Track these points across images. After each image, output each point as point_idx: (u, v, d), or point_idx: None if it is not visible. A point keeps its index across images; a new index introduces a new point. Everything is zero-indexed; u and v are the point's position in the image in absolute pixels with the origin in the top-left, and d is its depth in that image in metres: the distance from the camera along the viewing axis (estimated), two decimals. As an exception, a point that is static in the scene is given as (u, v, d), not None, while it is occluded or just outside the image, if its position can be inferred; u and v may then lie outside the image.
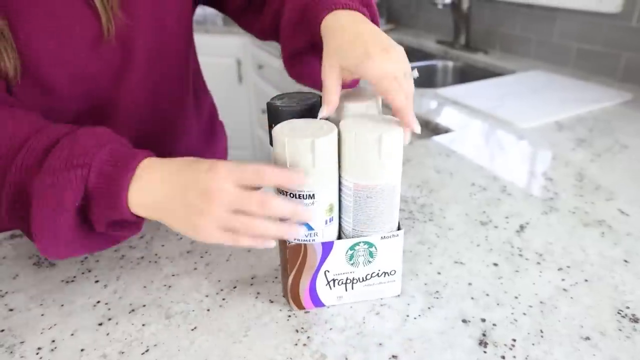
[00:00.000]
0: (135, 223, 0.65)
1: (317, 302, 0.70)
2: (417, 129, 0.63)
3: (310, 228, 0.65)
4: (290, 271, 0.67)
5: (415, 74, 0.67)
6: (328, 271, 0.68)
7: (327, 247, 0.66)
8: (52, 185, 0.58)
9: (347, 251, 0.66)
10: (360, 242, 0.66)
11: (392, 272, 0.70)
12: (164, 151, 0.93)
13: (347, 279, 0.69)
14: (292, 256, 0.66)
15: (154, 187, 0.59)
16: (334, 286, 0.69)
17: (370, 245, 0.67)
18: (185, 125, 0.99)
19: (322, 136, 0.59)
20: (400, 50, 0.66)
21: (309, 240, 0.65)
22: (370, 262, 0.68)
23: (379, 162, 0.61)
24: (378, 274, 0.69)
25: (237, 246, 0.64)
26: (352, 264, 0.68)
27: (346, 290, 0.70)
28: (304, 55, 0.82)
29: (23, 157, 0.61)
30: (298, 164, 0.60)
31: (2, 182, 0.62)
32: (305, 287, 0.68)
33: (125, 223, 0.65)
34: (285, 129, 0.61)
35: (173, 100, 0.94)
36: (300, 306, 0.70)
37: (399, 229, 0.69)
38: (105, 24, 0.75)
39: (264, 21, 0.90)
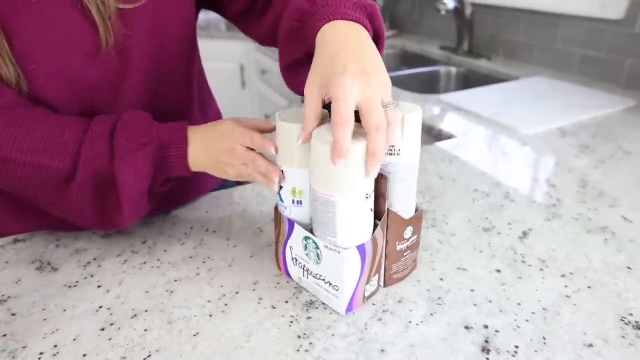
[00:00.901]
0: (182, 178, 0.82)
1: (287, 272, 0.78)
2: (371, 172, 0.62)
3: (281, 199, 0.74)
4: (275, 229, 0.78)
5: (397, 104, 0.64)
6: (292, 247, 0.74)
7: (290, 225, 0.73)
8: (133, 162, 0.73)
9: (302, 239, 0.71)
10: (309, 238, 0.69)
11: (336, 287, 0.69)
12: None
13: (303, 265, 0.73)
14: (275, 218, 0.77)
15: (199, 153, 0.77)
16: (295, 265, 0.75)
17: (317, 246, 0.68)
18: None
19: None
20: (382, 77, 0.63)
21: (282, 211, 0.75)
22: (318, 263, 0.69)
23: (325, 174, 0.63)
24: (324, 279, 0.70)
25: (251, 179, 0.77)
26: (306, 254, 0.71)
27: (303, 275, 0.74)
28: (301, 65, 0.81)
29: (91, 147, 0.72)
30: (285, 141, 0.70)
31: (69, 179, 0.73)
32: (280, 251, 0.77)
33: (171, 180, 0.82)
34: (286, 113, 0.72)
35: (176, 107, 0.93)
36: (278, 266, 0.80)
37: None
38: (104, 35, 0.74)
39: (264, 26, 0.91)
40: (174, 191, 0.91)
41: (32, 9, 0.70)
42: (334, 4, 0.71)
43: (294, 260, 0.74)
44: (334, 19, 0.69)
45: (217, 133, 0.77)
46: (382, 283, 0.75)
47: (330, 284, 0.69)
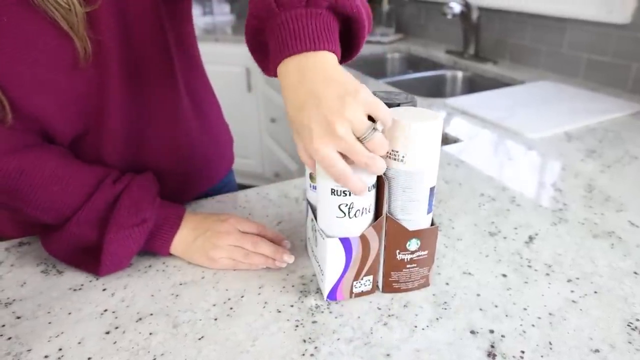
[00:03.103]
0: None
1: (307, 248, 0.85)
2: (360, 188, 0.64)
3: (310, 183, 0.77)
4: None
5: (379, 127, 0.61)
6: (306, 227, 0.87)
7: (307, 206, 0.81)
8: (127, 236, 0.77)
9: (310, 220, 0.79)
10: (313, 220, 0.74)
11: (322, 272, 0.73)
12: (170, 154, 0.93)
13: (312, 245, 0.79)
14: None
15: (187, 235, 0.82)
16: (309, 243, 0.83)
17: (315, 229, 0.75)
18: (183, 129, 0.97)
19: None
20: (349, 108, 0.59)
21: (306, 192, 0.80)
22: (316, 245, 0.76)
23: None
24: (318, 261, 0.75)
25: (237, 268, 0.81)
26: (312, 235, 0.77)
27: (312, 253, 0.80)
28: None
29: (85, 215, 0.78)
30: None
31: (60, 230, 0.79)
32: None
33: None
34: None
35: (164, 105, 0.91)
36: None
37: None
38: (80, 44, 0.73)
39: None
40: (173, 192, 0.93)
41: (5, 29, 0.69)
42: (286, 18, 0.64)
43: (308, 239, 0.83)
44: (285, 56, 0.63)
45: (218, 218, 0.84)
46: (381, 287, 0.75)
47: (319, 266, 0.74)
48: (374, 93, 0.74)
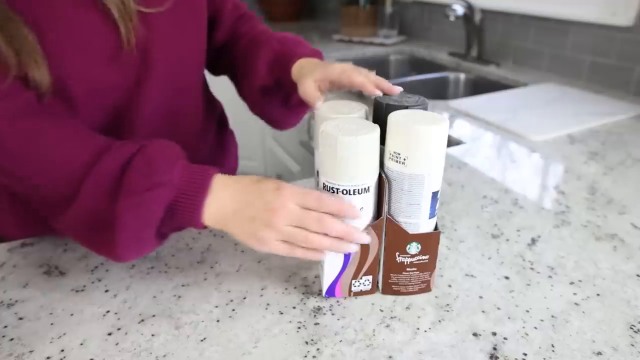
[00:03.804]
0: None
1: None
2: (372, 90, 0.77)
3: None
4: None
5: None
6: None
7: None
8: (138, 204, 0.65)
9: None
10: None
11: (322, 267, 0.73)
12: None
13: None
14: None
15: (224, 202, 0.68)
16: None
17: None
18: (199, 135, 1.00)
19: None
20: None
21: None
22: None
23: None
24: None
25: (291, 255, 0.68)
26: None
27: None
28: (268, 94, 0.97)
29: (95, 183, 0.66)
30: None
31: (68, 205, 0.68)
32: None
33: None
34: (328, 106, 0.75)
35: (187, 110, 0.95)
36: None
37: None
38: (125, 35, 0.75)
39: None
40: None
41: (55, 13, 0.70)
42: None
43: None
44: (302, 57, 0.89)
45: (267, 186, 0.68)
46: (380, 288, 0.75)
47: (320, 262, 0.74)
48: (383, 96, 0.75)
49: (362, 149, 0.63)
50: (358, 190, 0.66)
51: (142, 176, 0.66)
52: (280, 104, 0.99)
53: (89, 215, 0.67)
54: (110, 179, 0.66)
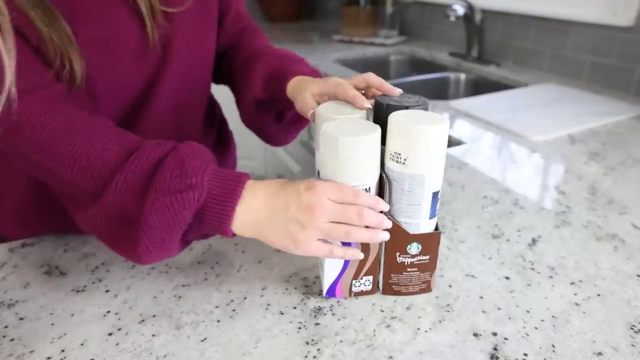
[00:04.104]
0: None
1: None
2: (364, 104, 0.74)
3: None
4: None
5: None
6: None
7: None
8: (169, 205, 0.62)
9: None
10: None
11: (322, 268, 0.74)
12: None
13: None
14: None
15: (257, 208, 0.66)
16: None
17: None
18: (200, 134, 1.00)
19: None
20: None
21: None
22: None
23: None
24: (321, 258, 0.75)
25: (331, 257, 0.67)
26: None
27: None
28: (262, 109, 0.97)
29: (124, 180, 0.64)
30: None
31: (94, 200, 0.66)
32: None
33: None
34: (327, 108, 0.75)
35: (193, 110, 0.97)
36: None
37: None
38: (150, 32, 0.77)
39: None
40: None
41: (87, 8, 0.71)
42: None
43: None
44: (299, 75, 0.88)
45: (300, 187, 0.66)
46: (381, 289, 0.75)
47: (321, 262, 0.74)
48: (383, 96, 0.75)
49: (363, 149, 0.63)
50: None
51: (174, 177, 0.63)
52: (274, 120, 0.99)
53: (114, 212, 0.65)
54: (140, 176, 0.64)
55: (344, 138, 0.62)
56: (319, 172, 0.70)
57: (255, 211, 0.66)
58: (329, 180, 0.66)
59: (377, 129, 0.65)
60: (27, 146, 0.67)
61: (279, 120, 1.00)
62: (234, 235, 0.67)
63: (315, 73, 0.92)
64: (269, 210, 0.66)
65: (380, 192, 0.69)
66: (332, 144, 0.63)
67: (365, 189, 0.66)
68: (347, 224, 0.65)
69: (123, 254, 0.67)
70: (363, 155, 0.64)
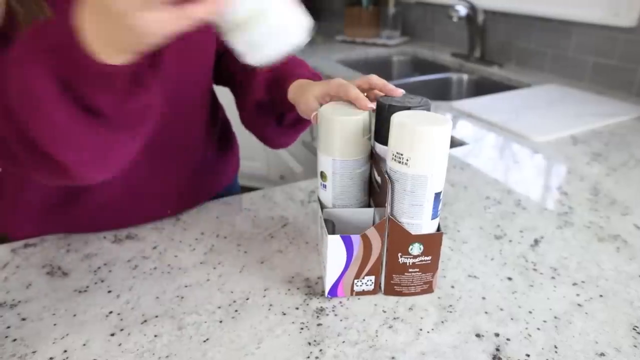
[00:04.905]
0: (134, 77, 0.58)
1: None
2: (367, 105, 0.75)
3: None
4: None
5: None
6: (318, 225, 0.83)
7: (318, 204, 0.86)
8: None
9: (319, 217, 0.83)
10: (321, 217, 0.77)
11: (324, 267, 0.75)
12: (179, 160, 0.94)
13: (320, 241, 0.81)
14: None
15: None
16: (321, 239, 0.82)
17: (321, 226, 0.78)
18: (203, 136, 1.00)
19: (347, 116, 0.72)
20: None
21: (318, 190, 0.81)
22: (322, 241, 0.76)
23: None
24: (322, 257, 0.77)
25: (184, 22, 0.49)
26: (320, 231, 0.79)
27: (322, 249, 0.78)
28: (263, 111, 0.97)
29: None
30: (324, 130, 0.74)
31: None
32: None
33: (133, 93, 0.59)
34: (330, 105, 0.77)
35: (193, 111, 0.97)
36: None
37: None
38: None
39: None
40: (182, 193, 0.94)
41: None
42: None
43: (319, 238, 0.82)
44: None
45: None
46: (382, 289, 0.75)
47: (323, 262, 0.75)
48: (386, 97, 0.75)
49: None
50: None
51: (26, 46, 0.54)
52: (274, 122, 0.99)
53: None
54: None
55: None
56: (322, 173, 0.74)
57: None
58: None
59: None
60: None
61: (279, 123, 1.00)
62: (115, 68, 0.54)
63: (316, 77, 0.93)
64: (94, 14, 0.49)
65: (383, 193, 0.69)
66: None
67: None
68: None
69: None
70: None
